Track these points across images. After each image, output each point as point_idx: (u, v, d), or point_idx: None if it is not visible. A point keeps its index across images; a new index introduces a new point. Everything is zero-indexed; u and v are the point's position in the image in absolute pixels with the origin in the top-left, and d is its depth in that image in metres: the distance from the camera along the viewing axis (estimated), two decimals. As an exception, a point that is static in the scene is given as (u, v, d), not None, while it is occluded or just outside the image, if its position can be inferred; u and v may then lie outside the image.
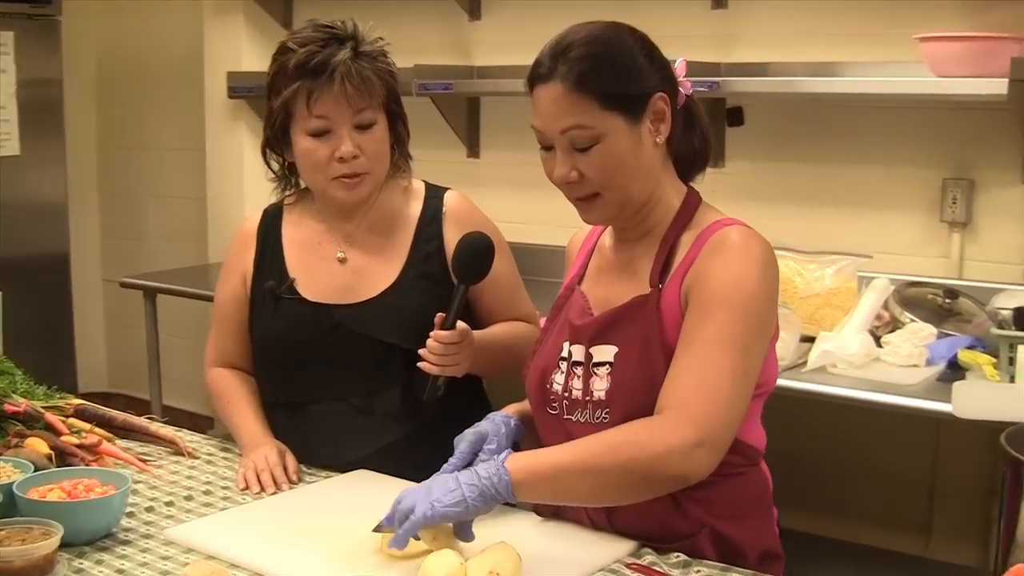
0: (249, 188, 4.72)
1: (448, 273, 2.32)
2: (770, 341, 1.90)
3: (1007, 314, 2.93)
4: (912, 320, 3.14)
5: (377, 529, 1.81)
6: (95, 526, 1.91)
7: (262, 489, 2.17)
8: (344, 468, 2.27)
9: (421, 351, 2.16)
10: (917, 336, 3.06)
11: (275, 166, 2.38)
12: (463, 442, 1.94)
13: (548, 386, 2.00)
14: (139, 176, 5.66)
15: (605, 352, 1.92)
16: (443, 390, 2.19)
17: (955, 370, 2.96)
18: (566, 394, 1.97)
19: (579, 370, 1.95)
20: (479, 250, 2.18)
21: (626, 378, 1.88)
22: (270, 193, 2.45)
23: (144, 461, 2.28)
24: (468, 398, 2.41)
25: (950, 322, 3.19)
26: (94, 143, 5.82)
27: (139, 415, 2.51)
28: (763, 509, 2.00)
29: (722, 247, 1.86)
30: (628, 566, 1.79)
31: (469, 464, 1.91)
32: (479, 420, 2.30)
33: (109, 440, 2.27)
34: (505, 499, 1.76)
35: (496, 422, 1.99)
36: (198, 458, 2.36)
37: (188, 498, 2.14)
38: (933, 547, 3.47)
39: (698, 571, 1.84)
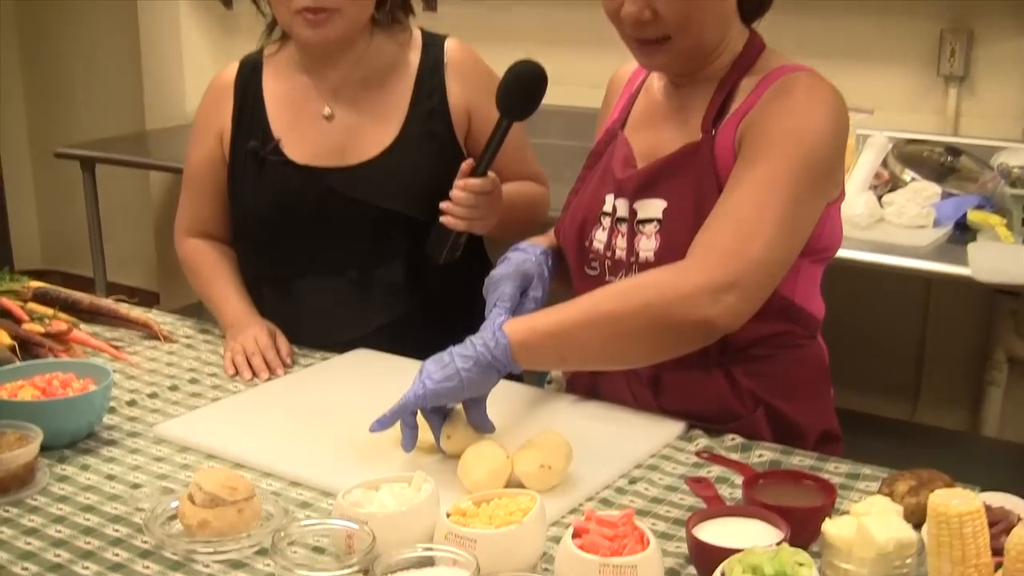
0: (188, 44, 4.31)
1: (454, 132, 2.04)
2: (832, 201, 1.65)
3: (1020, 172, 2.73)
4: (914, 178, 2.93)
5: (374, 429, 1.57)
6: (76, 426, 1.63)
7: (254, 375, 1.91)
8: (338, 349, 2.01)
9: (443, 204, 1.88)
10: (921, 196, 2.85)
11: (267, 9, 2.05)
12: (503, 283, 1.68)
13: (587, 243, 1.75)
14: (63, 32, 5.17)
15: (652, 208, 1.67)
16: (461, 251, 1.92)
17: (964, 231, 2.77)
18: (608, 253, 1.72)
19: (623, 227, 1.70)
20: (532, 79, 1.81)
21: (677, 236, 1.63)
22: (213, 50, 2.12)
23: (117, 348, 2.00)
24: (473, 265, 2.15)
25: (951, 181, 2.98)
26: None
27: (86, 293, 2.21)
28: (821, 386, 1.79)
29: (786, 91, 1.61)
30: (698, 454, 1.56)
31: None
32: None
33: (76, 326, 1.98)
34: (505, 368, 1.52)
35: (537, 259, 1.74)
36: (175, 342, 2.08)
37: (173, 388, 1.86)
38: (920, 412, 3.33)
39: (760, 455, 1.62)
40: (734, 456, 1.63)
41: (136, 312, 2.13)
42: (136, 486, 1.53)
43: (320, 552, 1.36)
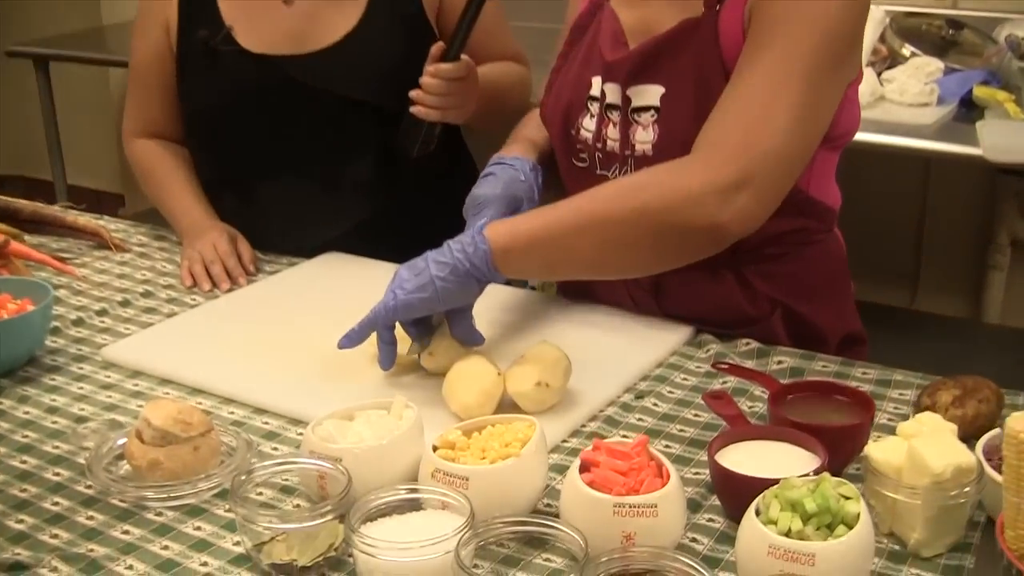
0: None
1: (424, 11, 1.80)
2: (850, 83, 1.43)
3: (1031, 43, 2.52)
4: (914, 53, 2.71)
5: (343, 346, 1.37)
6: (14, 352, 1.42)
7: (214, 285, 1.70)
8: (306, 255, 1.80)
9: (413, 93, 1.66)
10: (923, 72, 2.63)
11: None
12: (489, 206, 1.45)
13: (574, 131, 1.52)
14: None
15: (648, 94, 1.44)
16: (436, 143, 1.69)
17: (970, 109, 2.56)
18: (598, 145, 1.49)
19: (615, 115, 1.46)
20: None
21: (677, 126, 1.40)
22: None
23: (63, 260, 1.77)
24: (450, 158, 1.93)
25: (953, 55, 2.76)
26: None
27: (45, 201, 1.98)
28: (841, 284, 1.59)
29: None
30: (714, 365, 1.37)
31: None
32: (466, 184, 1.83)
33: (17, 238, 1.76)
34: (485, 277, 1.32)
35: (527, 177, 1.51)
36: (128, 251, 1.86)
37: (124, 303, 1.65)
38: (920, 300, 3.16)
39: (780, 362, 1.43)
40: (750, 364, 1.44)
41: (84, 220, 1.91)
42: (81, 419, 1.32)
43: (289, 493, 1.16)
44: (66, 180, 3.86)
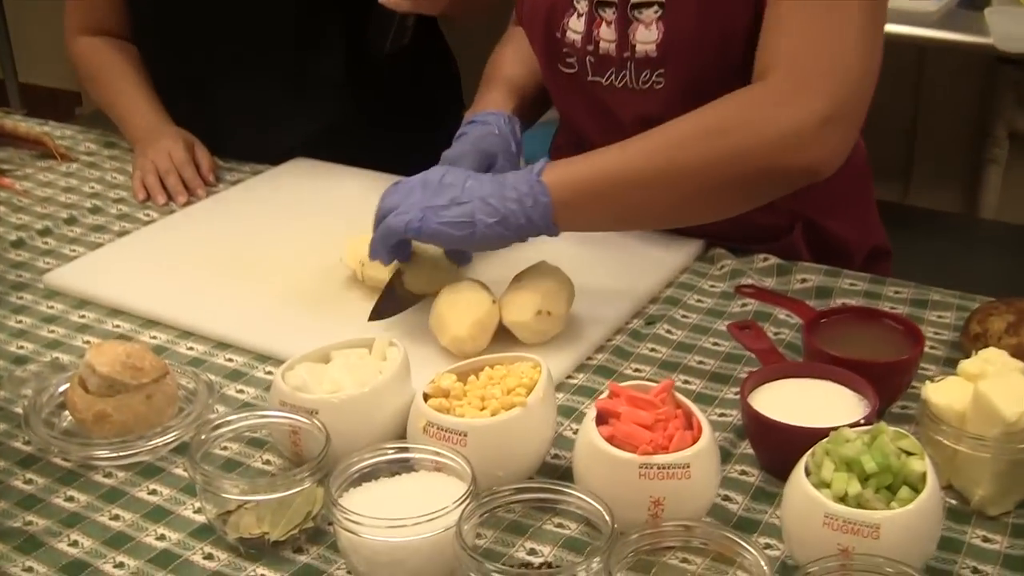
0: None
1: None
2: None
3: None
4: (917, -65, 2.49)
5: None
6: (-63, 281, 1.23)
7: (170, 198, 1.50)
8: (270, 161, 1.60)
9: None
10: (926, -45, 2.42)
11: None
12: (458, 166, 1.21)
13: (559, 35, 1.30)
14: None
15: (650, -14, 1.24)
16: (410, 35, 1.48)
17: (975, -5, 2.36)
18: (589, 48, 1.27)
19: (608, 13, 1.25)
20: None
21: (685, 24, 1.20)
22: None
23: (1, 173, 1.56)
24: (426, 53, 1.72)
25: (954, -64, 2.55)
26: None
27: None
28: (866, 193, 1.41)
29: None
30: (738, 291, 1.19)
31: None
32: (444, 83, 1.65)
33: (-54, 146, 1.55)
34: (539, 233, 1.11)
35: (501, 131, 1.29)
36: (75, 161, 1.65)
37: (70, 221, 1.45)
38: (913, 194, 2.99)
39: (804, 279, 1.26)
40: (770, 282, 1.27)
41: (26, 127, 1.69)
42: (20, 360, 1.14)
43: (258, 446, 0.99)
44: (17, 79, 3.60)
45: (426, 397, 0.93)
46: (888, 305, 1.22)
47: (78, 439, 0.98)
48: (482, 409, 0.92)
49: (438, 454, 0.87)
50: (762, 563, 0.78)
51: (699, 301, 1.23)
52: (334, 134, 1.62)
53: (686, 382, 1.09)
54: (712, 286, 1.26)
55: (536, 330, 1.11)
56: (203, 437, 0.90)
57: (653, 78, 1.24)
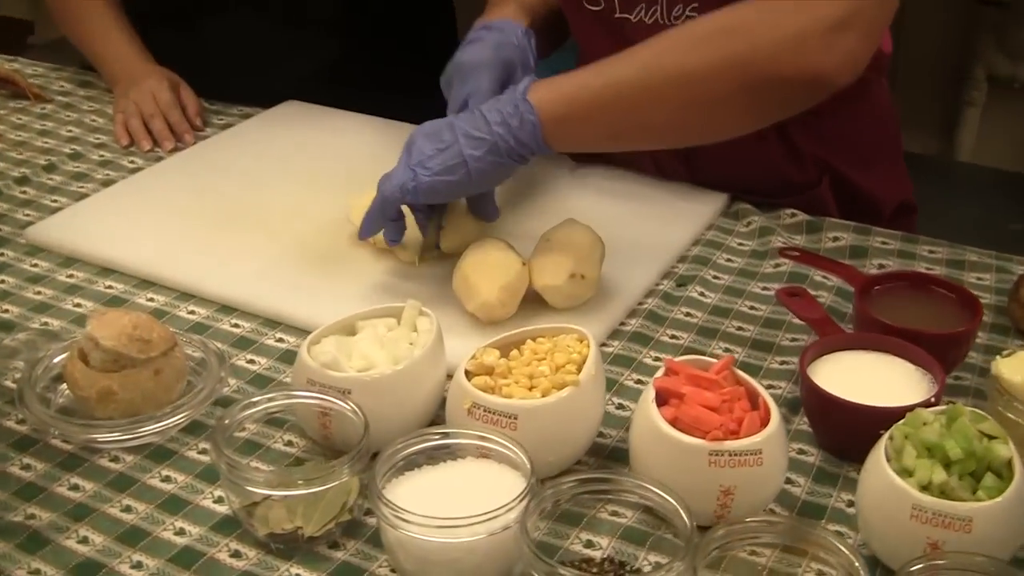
0: None
1: None
2: None
3: None
4: None
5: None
6: (-91, 238, 1.11)
7: (155, 144, 1.38)
8: (261, 104, 1.48)
9: None
10: None
11: None
12: (476, 74, 1.11)
13: None
14: None
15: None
16: None
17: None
18: None
19: None
20: None
21: None
22: None
23: (-31, 113, 1.44)
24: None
25: None
26: None
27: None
28: (894, 144, 1.32)
29: None
30: (783, 254, 1.10)
31: None
32: (445, 21, 1.54)
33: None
34: (532, 154, 1.02)
35: (519, 41, 1.16)
36: (50, 101, 1.51)
37: (49, 168, 1.32)
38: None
39: (835, 237, 1.18)
40: (799, 239, 1.18)
41: (-8, 63, 1.56)
42: (6, 326, 1.03)
43: (277, 425, 0.89)
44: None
45: (467, 375, 0.84)
46: (924, 266, 1.14)
47: (79, 419, 0.87)
48: (531, 388, 0.83)
49: (491, 440, 0.78)
50: (857, 564, 0.71)
51: (729, 261, 1.15)
52: (328, 75, 1.51)
53: (727, 350, 1.01)
54: (741, 244, 1.18)
55: (569, 294, 1.02)
56: (227, 421, 0.80)
57: (687, 12, 1.13)
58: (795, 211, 1.22)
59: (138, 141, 1.37)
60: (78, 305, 1.05)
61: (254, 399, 0.83)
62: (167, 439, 0.88)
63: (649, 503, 0.76)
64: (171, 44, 1.48)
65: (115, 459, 0.86)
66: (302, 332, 1.01)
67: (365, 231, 1.06)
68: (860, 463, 0.86)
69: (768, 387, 0.94)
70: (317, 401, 0.82)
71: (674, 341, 1.02)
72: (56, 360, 0.92)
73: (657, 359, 0.99)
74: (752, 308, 1.07)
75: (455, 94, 1.12)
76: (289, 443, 0.88)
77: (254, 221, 1.18)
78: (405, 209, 1.06)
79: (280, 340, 1.01)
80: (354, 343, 0.87)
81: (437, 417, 0.88)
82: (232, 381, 0.95)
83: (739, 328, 1.04)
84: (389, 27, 1.53)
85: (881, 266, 1.13)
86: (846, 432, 0.86)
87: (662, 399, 0.81)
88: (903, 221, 1.28)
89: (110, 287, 1.08)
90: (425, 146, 1.01)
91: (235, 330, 1.02)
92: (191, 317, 1.04)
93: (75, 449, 0.87)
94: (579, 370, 0.83)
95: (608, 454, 0.88)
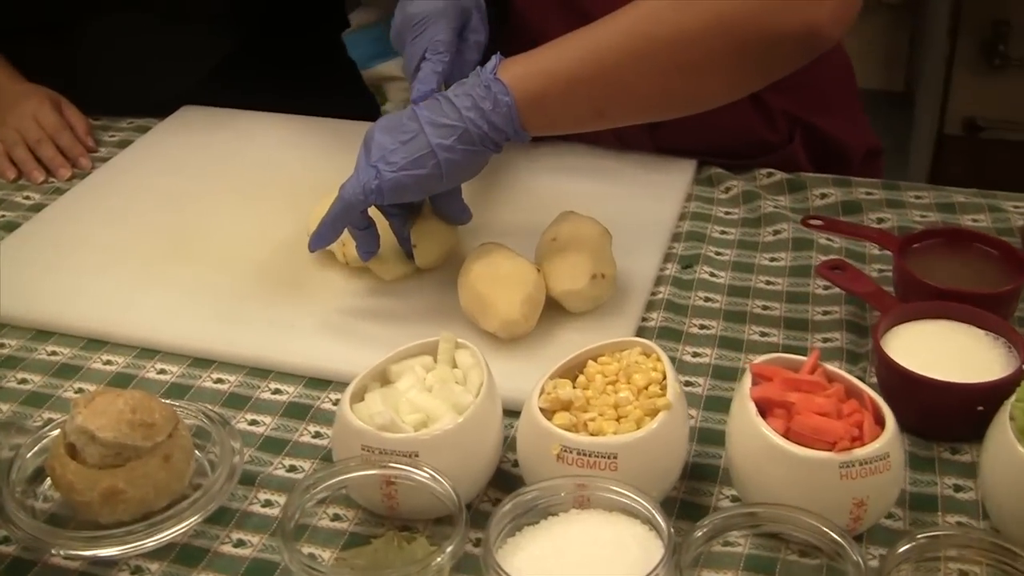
0: None
1: None
2: None
3: None
4: None
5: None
6: None
7: (49, 173, 1.19)
8: (149, 113, 1.30)
9: None
10: None
11: None
12: (432, 24, 0.96)
13: None
14: None
15: None
16: None
17: None
18: None
19: None
20: None
21: None
22: None
23: None
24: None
25: None
26: None
27: None
28: (852, 88, 1.26)
29: None
30: (805, 223, 1.02)
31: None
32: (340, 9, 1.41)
33: None
34: (506, 136, 0.89)
35: None
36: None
37: (-71, 217, 1.12)
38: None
39: (823, 194, 1.11)
40: (783, 199, 1.11)
41: None
42: (-61, 418, 0.85)
43: (321, 499, 0.76)
44: None
45: (545, 413, 0.72)
46: (917, 213, 1.09)
47: (83, 529, 0.72)
48: (618, 420, 0.72)
49: (620, 494, 0.67)
50: None
51: (723, 233, 1.06)
52: (221, 75, 1.34)
53: (764, 334, 0.92)
54: (728, 213, 1.09)
55: (590, 297, 0.91)
56: (290, 512, 0.67)
57: None
58: (771, 170, 1.15)
59: (28, 173, 1.17)
60: (24, 382, 0.88)
61: (311, 479, 0.69)
62: (190, 535, 0.73)
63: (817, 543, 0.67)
64: (42, 56, 1.27)
65: (137, 570, 0.71)
66: (297, 379, 0.88)
67: (317, 241, 0.92)
68: (950, 442, 0.80)
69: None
70: (382, 474, 0.70)
71: (705, 332, 0.93)
72: (28, 456, 0.76)
73: (696, 354, 0.90)
74: (769, 283, 0.99)
75: (410, 51, 0.98)
76: (337, 517, 0.74)
77: (201, 252, 1.02)
78: (379, 218, 0.93)
79: (277, 392, 0.86)
80: (401, 394, 0.74)
81: (504, 463, 0.77)
82: (249, 453, 0.80)
83: (765, 308, 0.95)
84: (281, 20, 1.37)
85: (880, 220, 1.07)
86: (935, 412, 0.79)
87: (762, 407, 0.72)
88: (872, 167, 1.22)
89: (54, 353, 0.91)
90: (386, 140, 0.88)
91: (220, 387, 0.87)
92: (163, 378, 0.88)
93: (84, 566, 0.71)
94: (663, 389, 0.73)
95: (691, 473, 0.78)
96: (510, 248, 0.92)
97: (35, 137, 1.18)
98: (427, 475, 0.68)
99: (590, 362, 0.77)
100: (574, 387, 0.75)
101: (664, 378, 0.74)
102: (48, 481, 0.75)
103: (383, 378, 0.77)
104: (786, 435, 0.70)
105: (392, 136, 0.88)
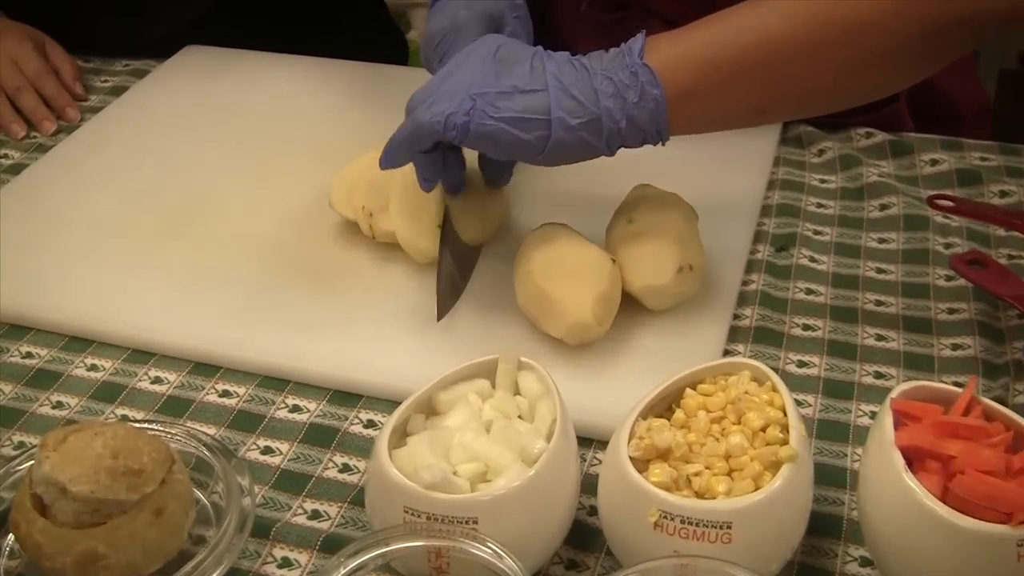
0: None
1: None
2: None
3: None
4: None
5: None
6: None
7: (30, 128, 1.03)
8: (149, 55, 1.13)
9: None
10: None
11: None
12: (462, 36, 0.79)
13: None
14: None
15: None
16: None
17: None
18: None
19: None
20: None
21: None
22: None
23: None
24: None
25: None
26: None
27: None
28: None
29: None
30: (931, 203, 0.84)
31: None
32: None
33: None
34: (642, 138, 0.71)
35: None
36: None
37: None
38: None
39: (934, 160, 0.94)
40: (886, 165, 0.94)
41: None
42: None
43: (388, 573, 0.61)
44: None
45: (636, 464, 0.57)
46: (1048, 183, 0.92)
47: (53, 601, 0.58)
48: (730, 473, 0.57)
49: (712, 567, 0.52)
50: None
51: (820, 207, 0.90)
52: (226, 9, 1.17)
53: (880, 337, 0.76)
54: (823, 181, 0.93)
55: (675, 293, 0.75)
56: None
57: None
58: (870, 130, 0.98)
59: (7, 126, 1.01)
60: (-7, 397, 0.73)
61: (351, 551, 0.54)
62: (189, 606, 0.59)
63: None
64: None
65: (122, 658, 0.57)
66: (319, 392, 0.73)
67: (387, 159, 0.75)
68: None
69: (955, 384, 0.71)
70: (431, 542, 0.55)
71: (810, 334, 0.77)
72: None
73: (802, 363, 0.74)
74: (880, 272, 0.83)
75: (436, 66, 0.81)
76: (380, 590, 0.60)
77: (202, 226, 0.86)
78: None
79: (296, 409, 0.71)
80: (451, 435, 0.59)
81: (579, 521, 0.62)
82: (259, 490, 0.65)
83: (878, 303, 0.79)
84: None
85: (1002, 194, 0.91)
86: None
87: (909, 458, 0.57)
88: (981, 126, 1.05)
89: (29, 356, 0.76)
90: (500, 74, 0.71)
91: (227, 401, 0.72)
92: (158, 389, 0.73)
93: (56, 652, 0.57)
94: (784, 431, 0.58)
95: (808, 525, 0.63)
96: (576, 231, 0.77)
97: (14, 84, 1.02)
98: (488, 550, 0.53)
99: (688, 391, 0.61)
100: (670, 423, 0.59)
101: (784, 413, 0.59)
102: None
103: (429, 408, 0.62)
104: (944, 498, 0.55)
105: (510, 73, 0.70)
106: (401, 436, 0.60)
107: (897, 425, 0.58)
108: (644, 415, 0.59)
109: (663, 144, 0.73)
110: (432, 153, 0.75)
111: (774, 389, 0.60)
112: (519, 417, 0.61)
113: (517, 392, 0.63)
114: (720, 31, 0.72)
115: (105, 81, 1.11)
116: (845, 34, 0.69)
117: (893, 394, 0.60)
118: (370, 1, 1.36)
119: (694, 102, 0.71)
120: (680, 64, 0.71)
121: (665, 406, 0.62)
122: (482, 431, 0.59)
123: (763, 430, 0.58)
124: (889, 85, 0.78)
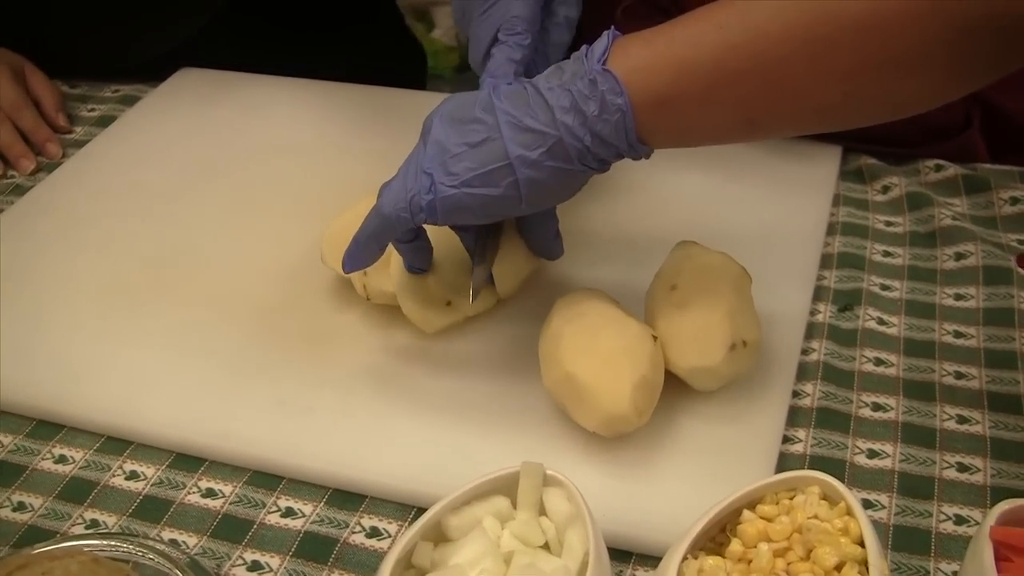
0: None
1: None
2: None
3: None
4: None
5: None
6: None
7: (8, 167, 0.95)
8: (136, 78, 1.05)
9: None
10: None
11: None
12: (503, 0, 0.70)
13: None
14: None
15: None
16: None
17: None
18: None
19: None
20: None
21: None
22: None
23: None
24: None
25: None
26: None
27: None
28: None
29: None
30: (1020, 262, 0.75)
31: None
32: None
33: None
34: (617, 152, 0.62)
35: None
36: None
37: None
38: None
39: (1015, 199, 0.84)
40: (959, 203, 0.85)
41: None
42: None
43: None
44: None
45: (688, 607, 0.48)
46: None
47: None
48: (802, 615, 0.48)
49: None
50: None
51: (887, 255, 0.80)
52: (220, 30, 1.08)
53: (962, 420, 0.67)
54: (890, 224, 0.83)
55: (727, 374, 0.66)
56: None
57: None
58: (939, 161, 0.88)
59: (-18, 166, 0.93)
60: (-54, 493, 0.65)
61: None
62: None
63: None
64: (6, 25, 1.01)
65: None
66: (316, 491, 0.64)
67: (351, 262, 0.67)
68: None
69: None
70: None
71: (881, 415, 0.67)
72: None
73: (873, 453, 0.65)
74: (959, 336, 0.73)
75: (477, 31, 0.72)
76: None
77: (190, 285, 0.78)
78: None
79: (289, 513, 0.63)
80: (466, 573, 0.50)
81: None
82: (239, 623, 0.57)
83: (958, 376, 0.70)
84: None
85: (1098, 238, 0.81)
86: None
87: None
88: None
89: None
90: (449, 136, 0.62)
91: (211, 502, 0.64)
92: (134, 486, 0.65)
93: None
94: (863, 569, 0.49)
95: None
96: (611, 298, 0.67)
97: (-11, 119, 0.94)
98: None
99: (745, 512, 0.52)
100: (724, 558, 0.50)
101: (861, 542, 0.50)
102: None
103: (438, 534, 0.53)
104: (1067, 664, 0.46)
105: (457, 132, 0.62)
106: (406, 568, 0.52)
107: (998, 559, 0.49)
108: (693, 552, 0.50)
109: (646, 158, 0.64)
110: (416, 242, 0.68)
111: (849, 512, 0.51)
112: (545, 545, 0.52)
113: (542, 511, 0.54)
114: (700, 30, 0.62)
115: (92, 110, 1.02)
116: (855, 35, 0.59)
117: (991, 519, 0.51)
118: (384, 11, 1.27)
119: (670, 111, 0.61)
120: (653, 67, 0.61)
121: (719, 529, 0.53)
122: (500, 566, 0.50)
123: (838, 569, 0.49)
124: (911, 101, 0.65)
